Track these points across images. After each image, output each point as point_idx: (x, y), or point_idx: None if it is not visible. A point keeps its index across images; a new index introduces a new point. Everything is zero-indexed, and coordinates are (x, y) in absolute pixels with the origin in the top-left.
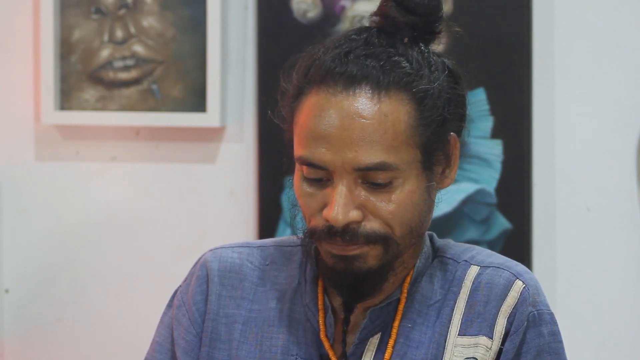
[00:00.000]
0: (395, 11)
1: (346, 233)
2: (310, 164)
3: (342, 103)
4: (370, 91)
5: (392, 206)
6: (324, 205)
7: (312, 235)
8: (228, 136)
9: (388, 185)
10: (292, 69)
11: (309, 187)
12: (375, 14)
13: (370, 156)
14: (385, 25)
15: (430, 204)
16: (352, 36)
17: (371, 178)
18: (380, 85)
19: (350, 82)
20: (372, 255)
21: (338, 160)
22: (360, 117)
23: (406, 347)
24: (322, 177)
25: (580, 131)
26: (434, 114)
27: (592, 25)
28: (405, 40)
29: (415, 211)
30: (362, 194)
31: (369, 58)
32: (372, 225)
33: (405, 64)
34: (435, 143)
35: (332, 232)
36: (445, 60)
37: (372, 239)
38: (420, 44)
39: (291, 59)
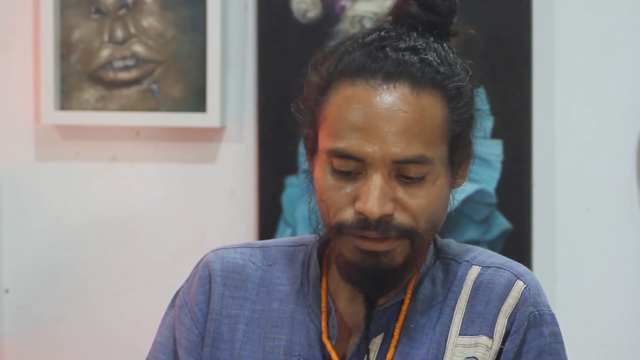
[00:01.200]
0: (418, 9)
1: (380, 225)
2: (346, 156)
3: (382, 96)
4: (409, 86)
5: (424, 201)
6: (354, 199)
7: (338, 230)
8: (228, 136)
9: (421, 179)
10: (317, 63)
11: (337, 180)
12: (392, 12)
13: (411, 149)
14: (404, 24)
15: (448, 201)
16: (382, 33)
17: (406, 172)
18: (417, 81)
19: (389, 75)
20: (399, 252)
21: (377, 152)
22: (401, 110)
23: (408, 347)
24: (352, 170)
25: (580, 131)
26: (463, 112)
27: (592, 25)
28: (432, 39)
29: (441, 207)
30: (395, 187)
31: (405, 52)
32: (402, 219)
33: (437, 61)
34: (460, 141)
35: (366, 225)
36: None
37: (402, 232)
38: (444, 44)
39: (317, 53)
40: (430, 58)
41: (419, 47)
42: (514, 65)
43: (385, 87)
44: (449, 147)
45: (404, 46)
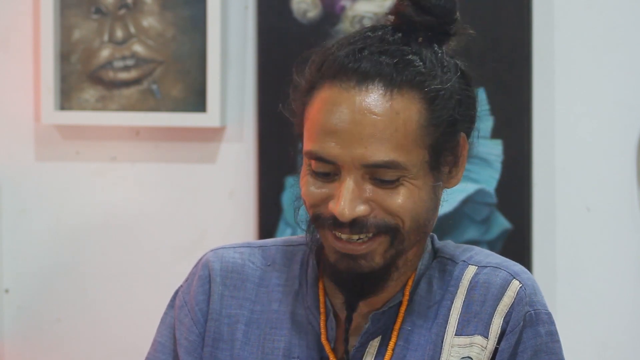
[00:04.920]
0: (411, 10)
1: (355, 225)
2: (319, 158)
3: (354, 98)
4: (383, 88)
5: (401, 199)
6: (329, 198)
7: (315, 220)
8: (228, 136)
9: (396, 182)
10: (306, 64)
11: (315, 180)
12: (390, 12)
13: (380, 153)
14: (400, 24)
15: (436, 202)
16: (367, 33)
17: (379, 175)
18: (393, 83)
19: (364, 78)
20: (378, 252)
21: (347, 155)
22: (372, 113)
23: (405, 349)
24: (330, 172)
25: (580, 131)
26: (444, 114)
27: (592, 25)
28: (420, 39)
29: (423, 207)
30: (369, 189)
31: (383, 55)
32: (381, 216)
33: (418, 63)
34: (444, 144)
35: (339, 224)
36: (458, 61)
37: (382, 228)
38: (434, 44)
39: (305, 54)
40: (410, 59)
41: (399, 48)
42: (514, 66)
43: (358, 89)
44: (431, 151)
45: (383, 48)
